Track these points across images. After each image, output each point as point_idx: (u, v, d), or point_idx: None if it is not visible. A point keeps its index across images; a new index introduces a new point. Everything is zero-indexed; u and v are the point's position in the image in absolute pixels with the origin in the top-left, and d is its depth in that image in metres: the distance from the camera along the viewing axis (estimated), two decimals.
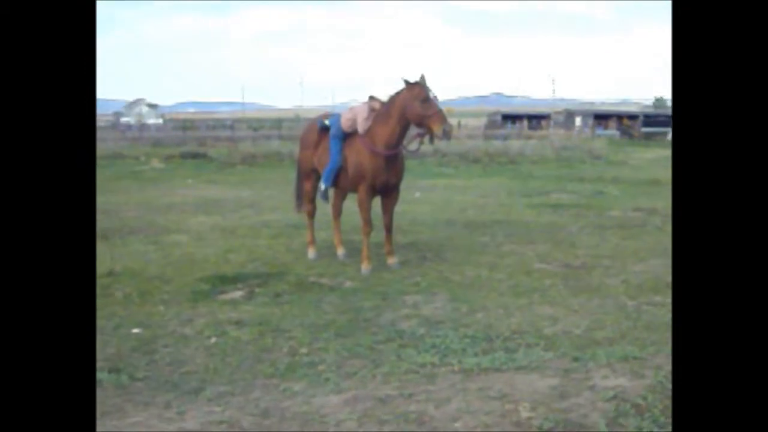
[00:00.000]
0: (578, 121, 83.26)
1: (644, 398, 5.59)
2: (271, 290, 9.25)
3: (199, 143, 49.48)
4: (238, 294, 9.15)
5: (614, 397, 5.68)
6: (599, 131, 72.09)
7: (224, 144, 46.37)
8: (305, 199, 11.74)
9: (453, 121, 78.05)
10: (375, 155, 10.12)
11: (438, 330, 7.50)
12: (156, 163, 34.22)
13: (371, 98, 10.44)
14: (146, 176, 28.48)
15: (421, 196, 19.72)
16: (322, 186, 10.79)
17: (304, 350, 6.97)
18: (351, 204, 11.98)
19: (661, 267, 10.24)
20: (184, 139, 57.98)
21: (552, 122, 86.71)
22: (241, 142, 45.84)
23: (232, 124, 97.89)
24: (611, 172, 28.58)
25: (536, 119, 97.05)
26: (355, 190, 10.53)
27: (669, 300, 7.94)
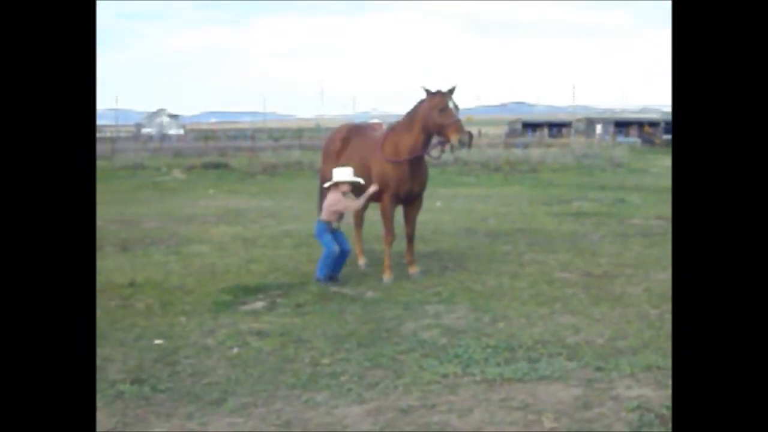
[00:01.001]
0: (599, 128, 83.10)
1: (668, 408, 5.54)
2: (293, 300, 9.25)
3: (220, 153, 49.74)
4: (259, 304, 9.15)
5: (638, 407, 5.65)
6: (620, 139, 71.90)
7: (245, 154, 46.55)
8: None
9: (473, 129, 78.04)
10: (398, 164, 10.11)
11: (460, 340, 7.48)
12: (177, 174, 34.35)
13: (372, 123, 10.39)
14: (167, 187, 28.59)
15: (442, 205, 19.70)
16: (318, 275, 10.33)
17: (326, 361, 6.96)
18: (371, 214, 11.98)
19: None
20: (205, 149, 58.32)
21: (573, 130, 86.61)
22: (262, 152, 46.03)
23: (253, 134, 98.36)
24: (632, 180, 28.47)
25: (557, 127, 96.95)
26: (378, 199, 10.51)
27: None
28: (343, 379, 6.48)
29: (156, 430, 5.50)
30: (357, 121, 11.28)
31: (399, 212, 10.75)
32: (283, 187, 27.24)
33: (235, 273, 11.04)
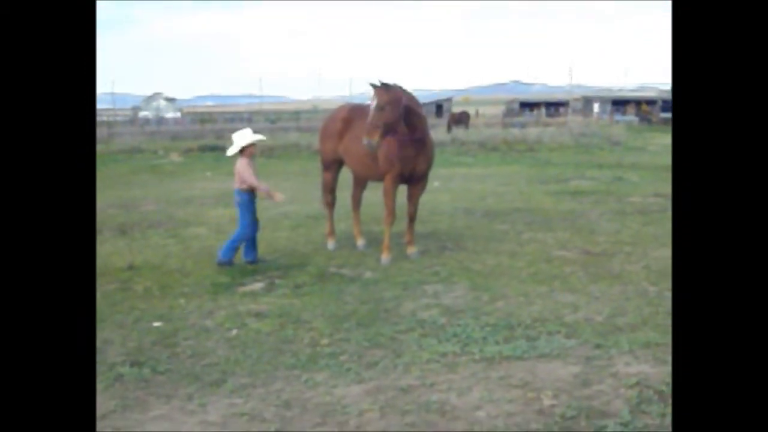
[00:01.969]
0: (596, 107, 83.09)
1: (668, 385, 5.55)
2: (291, 281, 9.25)
3: (217, 136, 49.62)
4: (258, 286, 9.15)
5: (637, 383, 5.66)
6: (618, 117, 71.93)
7: None
8: (325, 189, 11.75)
9: (471, 109, 77.87)
10: (402, 143, 10.03)
11: (459, 319, 7.48)
12: (174, 157, 34.31)
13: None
14: (165, 170, 28.54)
15: (440, 185, 19.68)
16: (222, 258, 10.24)
17: (325, 341, 6.97)
18: (369, 194, 11.97)
19: None
20: (202, 132, 58.21)
21: (570, 109, 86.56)
22: (259, 134, 45.93)
23: (250, 117, 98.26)
24: (630, 158, 28.47)
25: (554, 106, 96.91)
26: (381, 179, 10.48)
27: None
28: (342, 358, 6.48)
29: (156, 411, 5.51)
30: (354, 101, 11.22)
31: (400, 193, 10.72)
32: (280, 170, 27.17)
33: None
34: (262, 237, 11.24)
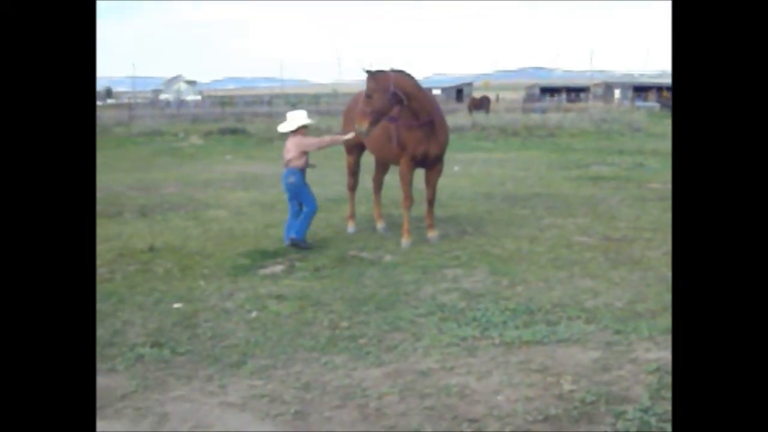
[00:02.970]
0: (617, 93, 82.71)
1: None
2: (311, 264, 9.27)
3: (237, 119, 49.73)
4: (278, 268, 9.18)
5: (657, 369, 5.63)
6: (639, 103, 71.52)
7: (262, 120, 46.57)
8: (348, 172, 11.77)
9: (491, 94, 77.64)
10: (412, 128, 10.05)
11: (479, 303, 7.47)
12: (195, 140, 34.39)
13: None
14: (185, 152, 28.64)
15: (460, 170, 19.66)
16: (297, 237, 10.34)
17: (344, 324, 6.98)
18: (390, 178, 11.96)
19: None
20: (222, 115, 58.36)
21: (591, 95, 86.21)
22: (279, 117, 46.00)
23: (270, 100, 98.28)
24: (651, 144, 28.28)
25: (575, 92, 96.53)
26: (397, 162, 10.49)
27: None
28: (361, 341, 6.49)
29: (176, 392, 5.54)
30: None
31: (418, 178, 10.72)
32: None
33: (253, 237, 11.07)
34: (282, 220, 11.25)
